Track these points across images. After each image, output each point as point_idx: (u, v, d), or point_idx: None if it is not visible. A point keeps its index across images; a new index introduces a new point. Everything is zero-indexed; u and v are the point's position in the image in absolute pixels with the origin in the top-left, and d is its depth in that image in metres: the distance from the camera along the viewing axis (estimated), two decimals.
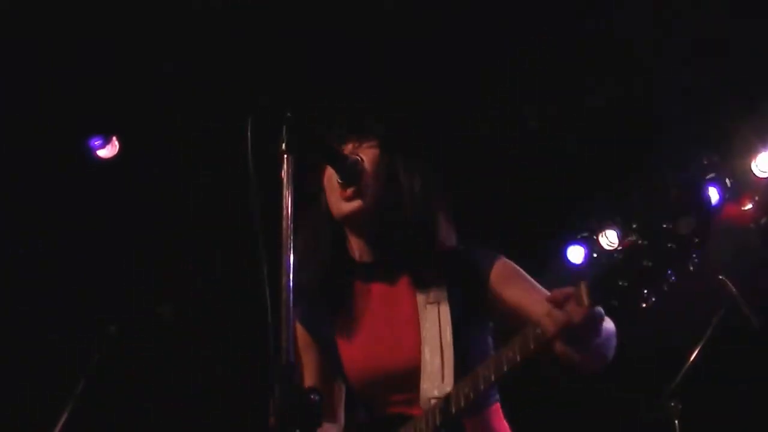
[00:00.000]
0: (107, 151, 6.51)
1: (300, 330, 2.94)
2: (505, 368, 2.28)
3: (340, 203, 2.74)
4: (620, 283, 1.96)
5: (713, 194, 6.97)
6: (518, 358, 2.24)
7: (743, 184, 6.98)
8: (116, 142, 6.51)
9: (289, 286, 2.11)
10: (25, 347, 6.19)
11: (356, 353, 2.80)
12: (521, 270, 2.74)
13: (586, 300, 2.05)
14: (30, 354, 6.19)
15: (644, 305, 1.89)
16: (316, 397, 2.03)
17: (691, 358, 5.18)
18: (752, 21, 5.79)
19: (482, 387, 2.36)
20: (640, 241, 1.92)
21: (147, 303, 5.92)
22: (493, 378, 2.32)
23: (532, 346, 2.20)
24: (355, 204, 2.71)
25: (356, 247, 2.83)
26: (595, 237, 7.71)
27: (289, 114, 2.35)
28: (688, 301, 6.23)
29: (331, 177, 2.78)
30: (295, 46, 5.76)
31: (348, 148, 2.79)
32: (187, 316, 6.32)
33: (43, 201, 6.32)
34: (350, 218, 2.75)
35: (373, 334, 2.76)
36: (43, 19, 5.65)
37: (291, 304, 2.08)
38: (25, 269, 6.31)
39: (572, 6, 5.94)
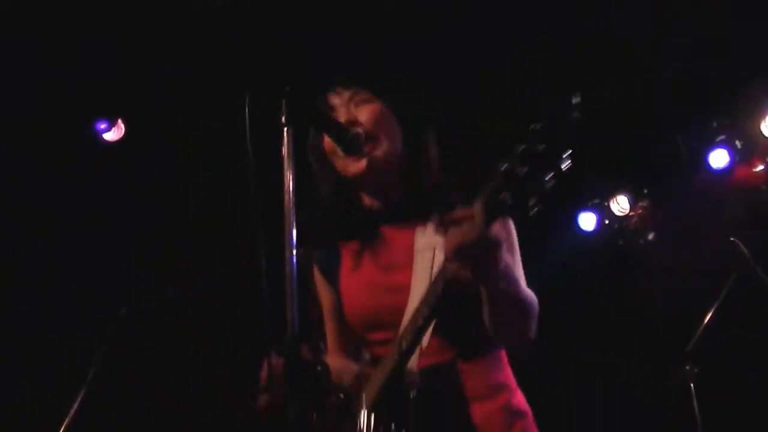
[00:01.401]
0: (113, 134, 6.50)
1: (316, 271, 2.96)
2: (432, 300, 2.30)
3: (346, 164, 2.75)
4: (506, 196, 1.98)
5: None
6: (439, 287, 2.26)
7: (753, 145, 6.95)
8: (122, 125, 6.50)
9: (293, 260, 2.10)
10: (33, 334, 6.19)
11: (351, 295, 2.82)
12: (514, 241, 2.68)
13: (479, 218, 2.04)
14: (38, 338, 6.20)
15: (531, 213, 1.94)
16: (322, 369, 2.03)
17: (706, 321, 5.16)
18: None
19: (419, 323, 2.36)
20: (517, 149, 1.94)
21: (155, 285, 5.92)
22: (425, 313, 2.33)
23: (441, 272, 2.24)
24: (360, 165, 2.71)
25: (364, 197, 2.85)
26: (606, 203, 7.69)
27: (288, 88, 2.34)
28: (702, 263, 6.26)
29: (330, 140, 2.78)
30: (296, 29, 5.75)
31: (344, 99, 2.77)
32: (194, 298, 6.33)
33: (48, 185, 6.31)
34: (357, 178, 2.75)
35: (367, 278, 2.77)
36: (47, 4, 5.64)
37: (295, 278, 2.07)
38: (32, 251, 6.32)
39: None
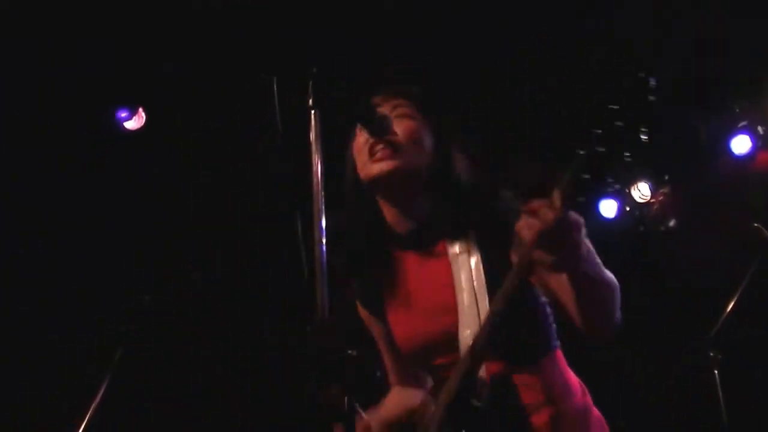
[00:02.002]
0: (134, 122, 6.51)
1: (360, 308, 2.95)
2: (509, 293, 2.26)
3: (368, 166, 2.67)
4: (584, 177, 1.99)
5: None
6: (516, 281, 2.23)
7: None
8: (143, 114, 6.51)
9: (323, 242, 2.10)
10: (33, 333, 6.21)
11: (399, 323, 2.78)
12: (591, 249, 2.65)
13: (558, 202, 2.03)
14: (38, 338, 6.22)
15: (609, 190, 1.98)
16: (354, 352, 2.03)
17: (729, 307, 5.14)
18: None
19: (496, 321, 2.32)
20: (593, 132, 1.98)
21: (179, 271, 5.93)
22: (501, 307, 2.29)
23: (520, 263, 2.21)
24: (384, 165, 2.63)
25: (389, 214, 2.77)
26: (627, 190, 7.67)
27: (315, 69, 2.33)
28: (725, 249, 6.23)
29: (359, 141, 2.72)
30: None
31: (387, 106, 2.73)
32: (218, 282, 6.34)
33: (68, 171, 6.33)
34: (379, 180, 2.67)
35: (412, 306, 2.73)
36: None
37: (325, 261, 2.07)
38: (55, 239, 6.34)
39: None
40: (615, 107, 1.92)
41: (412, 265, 2.76)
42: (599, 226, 7.52)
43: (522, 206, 2.14)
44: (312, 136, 2.25)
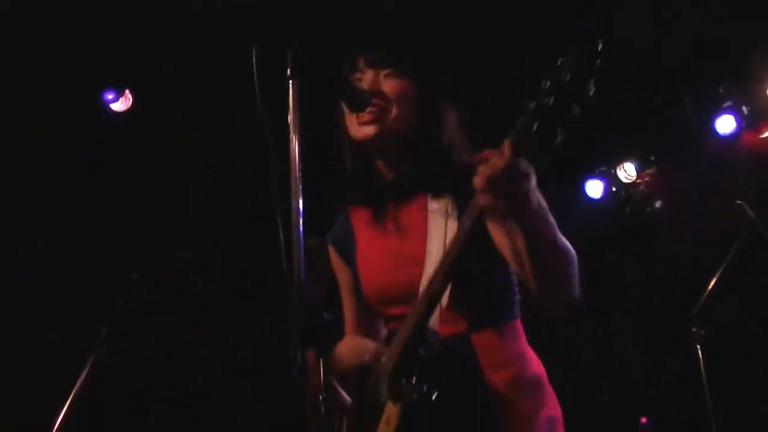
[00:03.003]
0: (121, 104, 6.52)
1: (332, 251, 2.99)
2: (461, 240, 2.27)
3: (356, 128, 2.75)
4: (533, 127, 2.01)
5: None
6: (468, 225, 2.24)
7: (760, 111, 6.95)
8: (129, 96, 6.52)
9: (299, 208, 2.13)
10: (44, 299, 6.23)
11: (368, 271, 2.82)
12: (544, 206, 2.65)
13: (507, 150, 2.06)
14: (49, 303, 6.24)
15: (557, 141, 1.99)
16: (329, 316, 2.06)
17: (712, 284, 5.18)
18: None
19: (447, 266, 2.33)
20: (542, 83, 2.01)
21: (167, 250, 5.95)
22: (454, 254, 2.30)
23: (470, 208, 2.22)
24: (369, 130, 2.71)
25: (377, 166, 2.85)
26: (613, 171, 7.71)
27: (294, 42, 2.36)
28: (709, 229, 6.27)
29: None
30: None
31: (367, 78, 2.77)
32: (206, 262, 6.37)
33: (58, 153, 6.34)
34: (365, 143, 2.75)
35: (383, 251, 2.78)
36: None
37: (301, 226, 2.10)
38: (43, 220, 6.35)
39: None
40: (562, 60, 1.97)
41: (390, 213, 2.81)
42: (585, 207, 7.56)
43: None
44: (290, 103, 2.27)
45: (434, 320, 2.48)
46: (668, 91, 7.02)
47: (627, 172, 7.64)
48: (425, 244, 2.64)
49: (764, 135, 6.99)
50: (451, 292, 2.48)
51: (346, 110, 2.76)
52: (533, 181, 2.13)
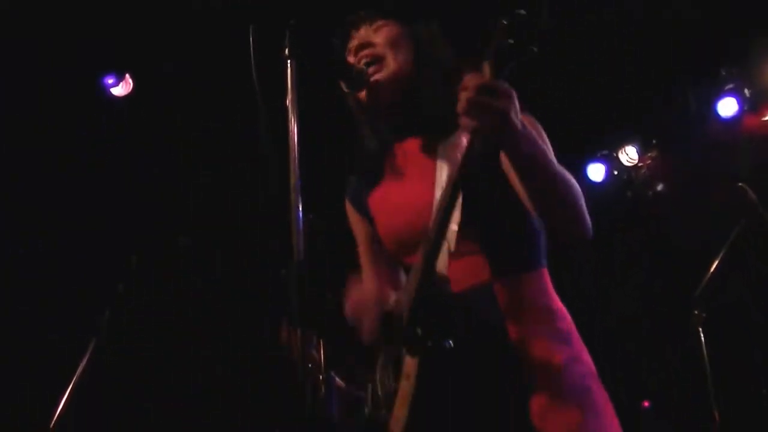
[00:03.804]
0: (121, 89, 6.51)
1: (348, 206, 2.95)
2: (455, 175, 2.26)
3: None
4: (509, 42, 2.07)
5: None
6: (460, 161, 2.24)
7: (762, 94, 6.94)
8: (130, 80, 6.51)
9: (298, 186, 2.12)
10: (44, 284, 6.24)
11: (380, 215, 2.79)
12: (542, 133, 2.55)
13: (488, 72, 2.11)
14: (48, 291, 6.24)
15: (533, 52, 2.07)
16: (331, 297, 2.05)
17: (714, 266, 5.17)
18: None
19: (444, 204, 2.29)
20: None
21: (166, 234, 5.94)
22: (450, 189, 2.28)
23: (469, 141, 2.21)
24: (372, 82, 2.70)
25: (385, 116, 2.82)
26: (615, 154, 7.71)
27: (292, 21, 2.35)
28: (710, 212, 6.27)
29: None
30: None
31: (360, 35, 2.76)
32: (206, 245, 6.36)
33: (57, 138, 6.33)
34: (371, 98, 2.74)
35: (393, 198, 2.74)
36: None
37: (300, 206, 2.09)
38: (43, 204, 6.35)
39: None
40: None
41: (400, 158, 2.78)
42: (587, 190, 7.53)
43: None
44: (288, 81, 2.26)
45: (443, 264, 2.38)
46: (670, 74, 7.00)
47: (629, 155, 7.64)
48: (433, 188, 2.57)
49: (766, 118, 6.98)
50: (468, 236, 2.44)
51: (348, 89, 2.74)
52: (515, 103, 2.13)
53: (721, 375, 5.06)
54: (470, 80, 2.10)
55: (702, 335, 5.09)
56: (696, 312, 5.12)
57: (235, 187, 6.55)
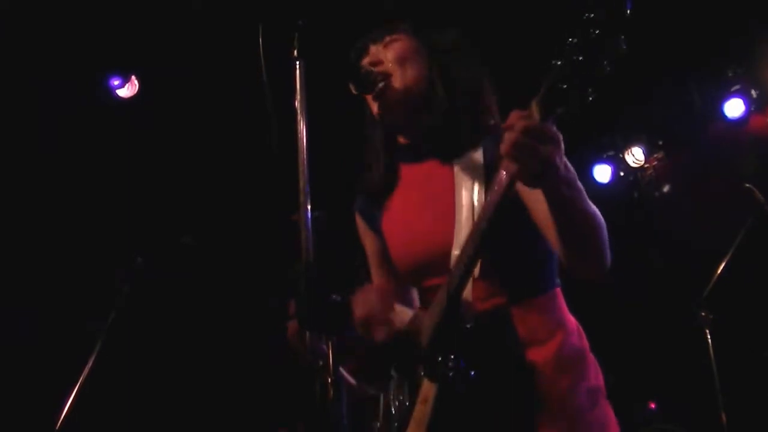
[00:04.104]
0: (127, 90, 6.51)
1: (358, 219, 2.93)
2: (491, 211, 2.18)
3: (371, 103, 2.72)
4: (562, 87, 1.91)
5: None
6: (496, 196, 2.15)
7: None
8: (135, 81, 6.50)
9: (307, 189, 2.11)
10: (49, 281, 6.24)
11: (395, 238, 2.76)
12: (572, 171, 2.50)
13: (536, 114, 1.98)
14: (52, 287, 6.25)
15: (588, 101, 1.91)
16: (338, 298, 2.03)
17: (721, 268, 5.16)
18: None
19: (477, 238, 2.25)
20: (569, 41, 1.89)
21: (170, 235, 5.93)
22: (484, 225, 2.21)
23: (500, 180, 2.13)
24: (381, 100, 2.67)
25: (398, 134, 2.79)
26: (621, 155, 7.70)
27: (301, 21, 2.34)
28: (717, 213, 6.25)
29: None
30: None
31: (371, 53, 2.72)
32: (210, 245, 6.35)
33: (62, 139, 6.33)
34: (382, 115, 2.70)
35: (411, 216, 2.71)
36: None
37: (309, 207, 2.08)
38: (50, 204, 6.35)
39: None
40: (590, 15, 1.90)
41: (416, 179, 2.74)
42: (593, 191, 7.53)
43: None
44: (296, 81, 2.26)
45: (468, 293, 2.40)
46: (676, 75, 7.00)
47: (635, 156, 7.63)
48: (453, 214, 2.55)
49: None
50: (486, 263, 2.41)
51: (356, 92, 2.70)
52: (561, 147, 2.05)
53: (728, 376, 5.05)
54: (516, 121, 2.01)
55: (709, 336, 5.08)
56: (703, 313, 5.12)
57: (240, 187, 6.54)
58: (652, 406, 6.32)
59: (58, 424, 4.06)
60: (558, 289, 2.61)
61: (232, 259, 6.70)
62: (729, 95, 6.98)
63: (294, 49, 2.31)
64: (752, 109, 6.96)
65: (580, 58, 1.87)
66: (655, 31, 6.40)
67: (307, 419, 2.07)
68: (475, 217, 2.46)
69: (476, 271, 2.38)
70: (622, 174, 7.75)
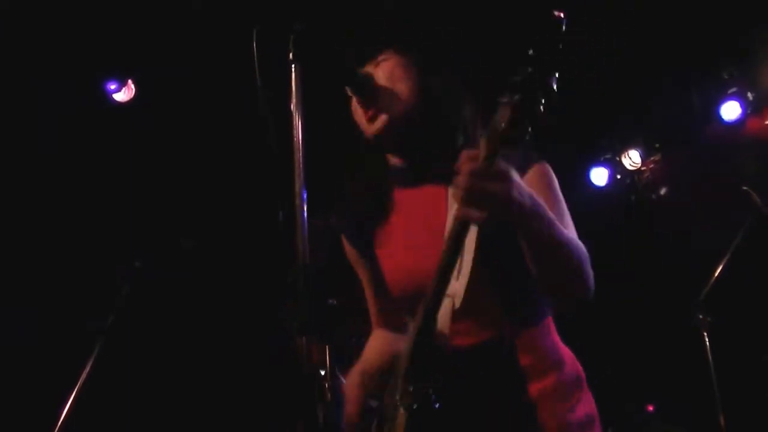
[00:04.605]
0: (123, 94, 6.50)
1: (346, 245, 2.88)
2: (450, 241, 2.18)
3: (365, 125, 2.65)
4: (504, 126, 1.97)
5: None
6: (454, 230, 2.16)
7: (766, 97, 6.93)
8: (132, 86, 6.50)
9: (303, 192, 2.10)
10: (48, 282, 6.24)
11: (390, 263, 2.71)
12: (551, 184, 2.53)
13: (484, 152, 2.02)
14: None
15: (528, 136, 1.97)
16: (333, 302, 2.03)
17: (719, 270, 5.16)
18: None
19: (442, 268, 2.22)
20: (512, 79, 1.97)
21: (170, 237, 5.93)
22: (446, 256, 2.20)
23: (456, 218, 2.14)
24: (378, 125, 2.60)
25: (391, 158, 2.75)
26: (618, 158, 7.70)
27: (297, 26, 2.33)
28: (714, 213, 6.25)
29: (354, 102, 2.68)
30: None
31: (370, 66, 2.67)
32: (209, 248, 6.35)
33: (59, 143, 6.33)
34: (376, 138, 2.65)
35: (404, 243, 2.67)
36: None
37: (305, 209, 2.07)
38: (47, 208, 6.34)
39: None
40: (530, 53, 1.94)
41: (408, 204, 2.71)
42: (590, 194, 7.54)
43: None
44: (292, 86, 2.25)
45: (444, 322, 2.36)
46: (672, 77, 7.00)
47: (632, 159, 7.63)
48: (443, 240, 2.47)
49: None
50: (476, 293, 2.39)
51: (354, 101, 2.67)
52: (514, 181, 2.07)
53: (727, 379, 5.05)
54: (463, 164, 2.04)
55: (707, 339, 5.08)
56: (701, 316, 5.12)
57: (238, 190, 6.54)
58: (650, 408, 6.31)
59: (58, 424, 4.06)
60: (550, 318, 2.60)
61: (231, 262, 6.70)
62: (725, 98, 6.98)
63: (290, 53, 2.30)
64: (749, 111, 6.96)
65: (520, 97, 1.94)
66: (651, 34, 6.42)
67: (306, 424, 2.06)
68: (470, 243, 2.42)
69: (464, 302, 2.36)
70: (618, 177, 7.75)
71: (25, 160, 6.25)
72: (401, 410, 2.33)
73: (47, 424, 4.12)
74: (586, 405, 2.54)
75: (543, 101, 1.93)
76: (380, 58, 2.67)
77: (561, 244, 2.24)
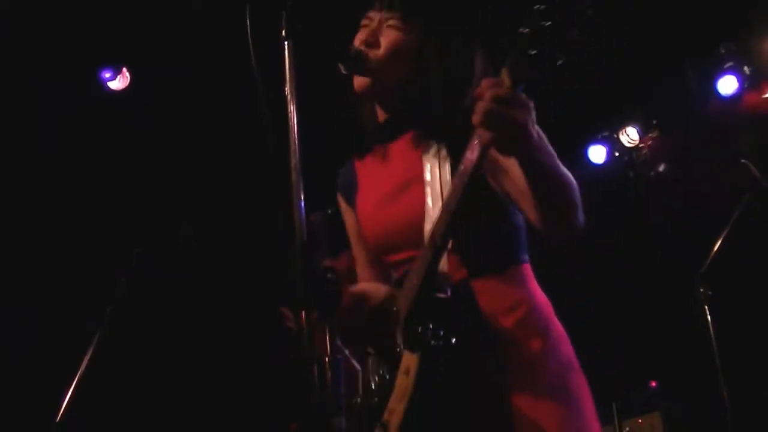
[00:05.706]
0: (118, 82, 6.49)
1: (339, 197, 2.97)
2: (463, 185, 2.21)
3: (354, 78, 2.73)
4: (531, 53, 1.95)
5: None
6: (469, 170, 2.19)
7: (762, 71, 6.91)
8: (127, 74, 6.49)
9: (298, 167, 2.10)
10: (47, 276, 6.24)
11: (366, 213, 2.81)
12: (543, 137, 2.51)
13: (506, 81, 2.01)
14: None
15: (557, 65, 1.95)
16: (333, 276, 2.03)
17: (718, 244, 5.16)
18: None
19: (448, 216, 2.29)
20: (536, 7, 1.94)
21: (169, 226, 5.93)
22: (456, 201, 2.25)
23: (474, 149, 2.17)
24: (360, 81, 2.70)
25: (378, 111, 2.83)
26: (615, 135, 7.70)
27: (289, 2, 2.33)
28: (713, 188, 6.26)
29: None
30: None
31: (372, 24, 2.73)
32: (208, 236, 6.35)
33: (55, 133, 6.32)
34: (362, 94, 2.74)
35: (380, 197, 2.74)
36: None
37: (300, 186, 2.07)
38: (43, 199, 6.33)
39: None
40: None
41: (389, 157, 2.78)
42: (589, 172, 7.54)
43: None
44: (285, 62, 2.25)
45: (443, 264, 2.43)
46: (669, 53, 6.98)
47: (629, 136, 7.63)
48: (423, 189, 2.58)
49: (766, 95, 6.95)
50: (453, 238, 2.43)
51: (345, 72, 2.71)
52: (532, 113, 2.08)
53: (729, 352, 5.05)
54: (487, 89, 2.04)
55: (708, 312, 5.08)
56: (701, 289, 5.12)
57: (235, 176, 6.53)
58: (653, 384, 6.31)
59: (58, 418, 4.05)
60: (525, 265, 2.64)
61: (229, 251, 6.70)
62: (722, 72, 6.97)
63: (282, 30, 2.30)
64: (746, 86, 6.95)
65: (548, 23, 1.91)
66: (648, 11, 6.40)
67: (306, 401, 2.06)
68: (443, 190, 2.49)
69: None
70: (617, 154, 7.75)
71: (20, 150, 6.24)
72: (407, 353, 2.40)
73: (47, 423, 4.12)
74: (561, 351, 2.56)
75: (575, 28, 1.91)
76: (392, 19, 2.72)
77: (562, 177, 2.30)
